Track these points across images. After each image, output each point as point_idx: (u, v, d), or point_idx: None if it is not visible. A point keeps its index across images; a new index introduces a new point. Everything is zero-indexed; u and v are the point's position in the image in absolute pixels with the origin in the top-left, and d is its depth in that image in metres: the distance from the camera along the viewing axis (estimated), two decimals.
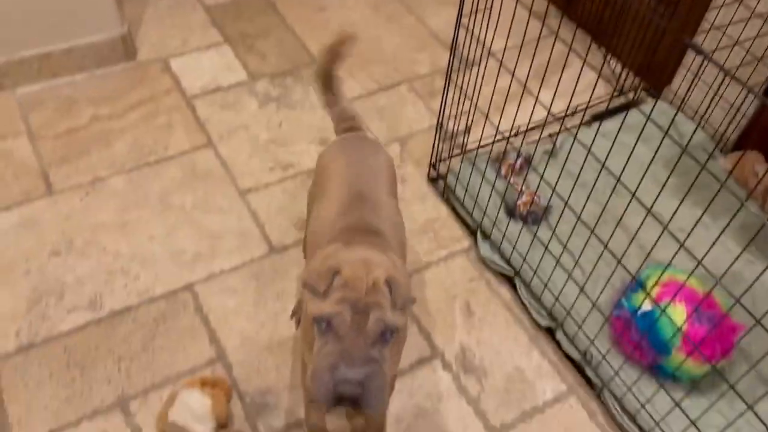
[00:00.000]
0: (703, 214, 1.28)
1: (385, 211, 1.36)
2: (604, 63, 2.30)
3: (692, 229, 1.29)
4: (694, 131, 1.29)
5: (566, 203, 1.65)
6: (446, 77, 1.85)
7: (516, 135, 1.92)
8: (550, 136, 2.19)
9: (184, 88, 2.37)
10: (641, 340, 1.56)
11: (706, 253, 1.29)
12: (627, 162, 1.40)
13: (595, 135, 1.45)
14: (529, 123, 1.77)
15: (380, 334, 1.03)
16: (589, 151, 1.44)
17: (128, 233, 1.94)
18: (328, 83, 1.60)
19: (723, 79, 1.63)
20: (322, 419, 1.51)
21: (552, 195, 1.78)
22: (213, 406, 1.53)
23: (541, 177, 1.78)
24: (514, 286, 1.88)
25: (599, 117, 2.28)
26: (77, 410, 1.58)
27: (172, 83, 2.38)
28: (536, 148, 1.94)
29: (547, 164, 1.74)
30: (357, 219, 1.29)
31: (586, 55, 1.44)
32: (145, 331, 1.73)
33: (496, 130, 1.83)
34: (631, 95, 2.39)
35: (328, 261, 1.09)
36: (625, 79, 2.36)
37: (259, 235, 1.97)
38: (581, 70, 1.43)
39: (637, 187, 1.42)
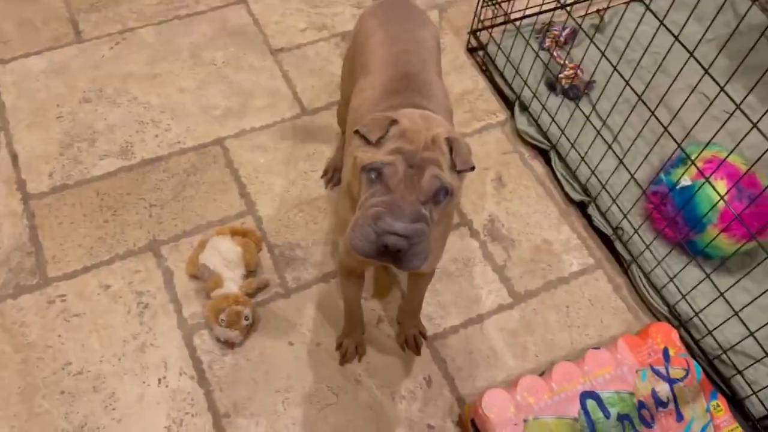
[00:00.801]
0: (748, 94, 1.21)
1: (435, 94, 1.24)
2: None
3: (735, 109, 1.23)
4: (749, 8, 1.19)
5: (610, 75, 1.57)
6: None
7: (566, 5, 1.82)
8: (598, 11, 2.08)
9: None
10: (677, 215, 1.53)
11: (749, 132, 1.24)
12: (674, 41, 1.32)
13: (645, 11, 1.36)
14: None
15: (434, 193, 0.96)
16: (640, 21, 1.35)
17: (158, 85, 1.90)
18: None
19: None
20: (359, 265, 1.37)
21: (595, 70, 1.71)
22: (243, 253, 1.56)
23: (586, 50, 1.70)
24: (547, 161, 1.84)
25: None
26: (110, 250, 1.61)
27: None
28: (583, 20, 1.84)
29: (592, 38, 1.65)
30: (405, 101, 1.17)
31: None
32: (176, 181, 1.73)
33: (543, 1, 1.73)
34: None
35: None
36: None
37: (290, 95, 1.93)
38: None
39: (690, 54, 1.34)
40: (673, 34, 1.35)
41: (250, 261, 1.56)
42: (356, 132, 1.02)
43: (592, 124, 1.68)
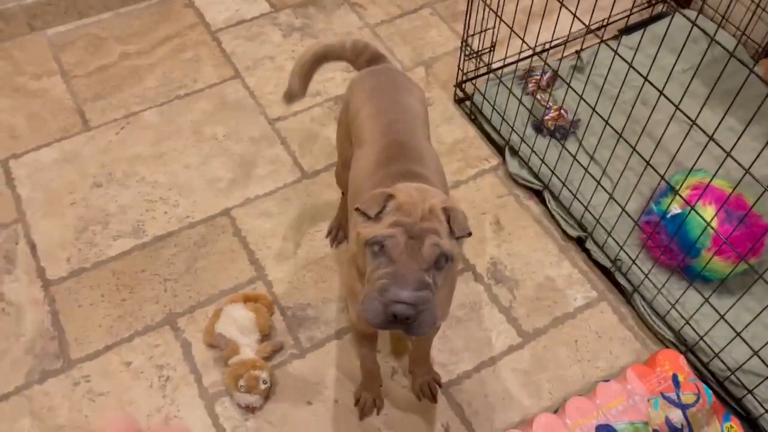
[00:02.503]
0: (722, 119, 1.27)
1: (426, 158, 1.31)
2: None
3: (715, 129, 1.29)
4: (739, 43, 1.27)
5: (593, 112, 1.65)
6: None
7: (542, 52, 1.91)
8: (576, 52, 2.17)
9: (208, 22, 2.38)
10: (670, 242, 1.58)
11: (732, 149, 1.30)
12: (649, 69, 1.40)
13: (618, 45, 1.44)
14: (552, 38, 1.75)
15: (435, 260, 1.02)
16: (613, 59, 1.43)
17: (165, 164, 2.00)
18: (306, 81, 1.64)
19: None
20: (371, 347, 1.47)
21: (577, 108, 1.78)
22: (256, 318, 1.61)
23: (566, 91, 1.78)
24: (542, 200, 1.90)
25: (625, 31, 2.24)
26: (129, 327, 1.67)
27: (197, 18, 2.40)
28: (560, 63, 1.93)
29: (571, 78, 1.73)
30: (398, 169, 1.24)
31: None
32: (188, 254, 1.80)
33: (520, 47, 1.82)
34: (659, 7, 2.34)
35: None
36: None
37: (290, 161, 2.01)
38: None
39: (661, 93, 1.41)
40: (642, 75, 1.43)
41: (264, 325, 1.62)
42: (357, 209, 1.09)
43: (579, 162, 1.75)
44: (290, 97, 1.62)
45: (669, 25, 1.47)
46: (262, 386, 1.51)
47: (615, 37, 2.24)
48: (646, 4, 2.31)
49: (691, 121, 1.35)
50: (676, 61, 1.30)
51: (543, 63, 2.08)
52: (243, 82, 2.21)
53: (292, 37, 2.34)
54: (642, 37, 1.52)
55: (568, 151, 1.77)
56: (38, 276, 1.76)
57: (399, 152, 1.28)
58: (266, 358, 1.59)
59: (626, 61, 1.46)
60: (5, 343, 1.64)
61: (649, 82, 1.42)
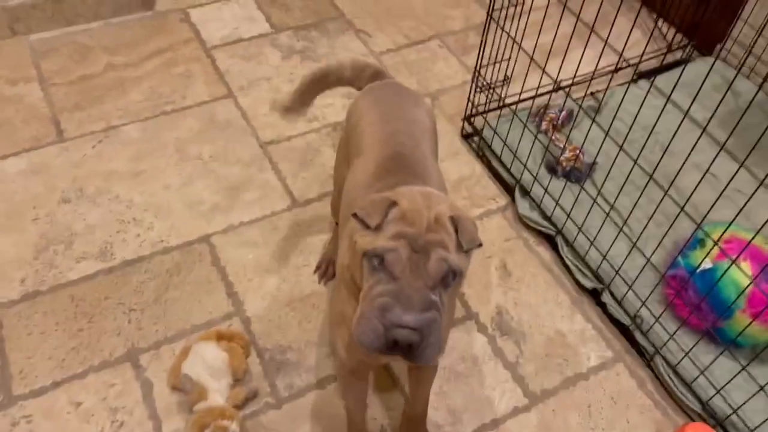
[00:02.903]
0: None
1: (430, 174, 1.17)
2: (655, 24, 2.15)
3: (732, 178, 1.15)
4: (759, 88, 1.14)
5: (616, 155, 1.50)
6: (487, 18, 1.71)
7: (558, 90, 1.78)
8: (593, 94, 2.05)
9: (204, 38, 2.25)
10: (700, 301, 1.41)
11: None
12: (682, 120, 1.26)
13: (647, 92, 1.31)
14: (574, 75, 1.63)
15: (442, 277, 0.89)
16: (641, 106, 1.29)
17: (142, 182, 1.82)
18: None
19: None
20: (362, 393, 1.30)
21: (599, 152, 1.64)
22: (230, 360, 1.41)
23: (587, 132, 1.64)
24: (553, 246, 1.74)
25: (645, 75, 2.13)
26: (84, 362, 1.46)
27: (192, 34, 2.26)
28: (581, 103, 1.79)
29: (593, 120, 1.59)
30: (398, 181, 1.10)
31: (637, 15, 1.30)
32: (158, 282, 1.61)
33: (539, 82, 1.69)
34: (679, 54, 2.23)
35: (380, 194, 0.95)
36: (674, 36, 2.20)
37: (281, 188, 1.84)
38: (632, 27, 1.28)
39: (694, 146, 1.27)
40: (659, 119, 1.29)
41: (237, 368, 1.42)
42: (354, 216, 0.93)
43: (600, 207, 1.59)
44: (279, 106, 1.47)
45: (683, 70, 1.33)
46: None
47: (634, 80, 2.12)
48: (666, 49, 2.20)
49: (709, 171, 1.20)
50: (690, 106, 1.16)
51: (558, 101, 1.95)
52: (235, 102, 2.06)
53: (292, 59, 2.21)
54: (659, 80, 1.39)
55: (588, 194, 1.62)
56: None
57: (400, 165, 1.14)
58: (237, 406, 1.39)
59: (641, 112, 1.32)
60: None
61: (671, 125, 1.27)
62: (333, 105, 2.08)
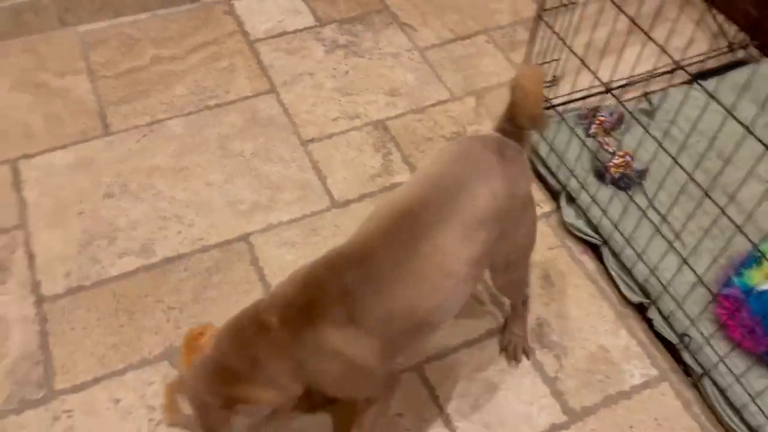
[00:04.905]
0: None
1: (415, 275, 1.03)
2: (715, 20, 2.04)
3: None
4: None
5: (671, 163, 1.43)
6: (536, 18, 1.65)
7: (608, 91, 1.70)
8: (646, 96, 1.96)
9: (247, 31, 2.24)
10: (755, 324, 1.35)
11: None
12: (753, 126, 1.18)
13: (705, 96, 1.24)
14: (630, 75, 1.55)
15: None
16: (699, 111, 1.22)
17: (184, 178, 1.83)
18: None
19: None
20: None
21: (652, 159, 1.57)
22: None
23: (640, 138, 1.57)
24: (598, 256, 1.68)
25: (704, 76, 2.03)
26: (124, 359, 1.49)
27: (236, 26, 2.25)
28: (635, 106, 1.72)
29: (645, 125, 1.52)
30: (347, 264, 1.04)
31: (696, 13, 1.22)
32: (197, 281, 1.62)
33: (590, 82, 1.62)
34: (741, 54, 2.12)
35: None
36: (735, 35, 2.09)
37: (321, 187, 1.83)
38: (694, 27, 1.21)
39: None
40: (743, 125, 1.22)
41: None
42: None
43: (649, 219, 1.53)
44: None
45: (745, 72, 1.25)
46: None
47: (689, 82, 2.02)
48: (726, 49, 2.09)
49: None
50: (729, 107, 1.08)
51: (609, 103, 1.88)
52: (278, 98, 2.05)
53: (335, 54, 2.18)
54: (719, 83, 1.31)
55: (637, 205, 1.55)
56: (32, 290, 1.59)
57: (396, 232, 1.06)
58: None
59: (698, 116, 1.24)
60: None
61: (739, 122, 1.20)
62: (376, 102, 2.05)
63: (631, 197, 1.59)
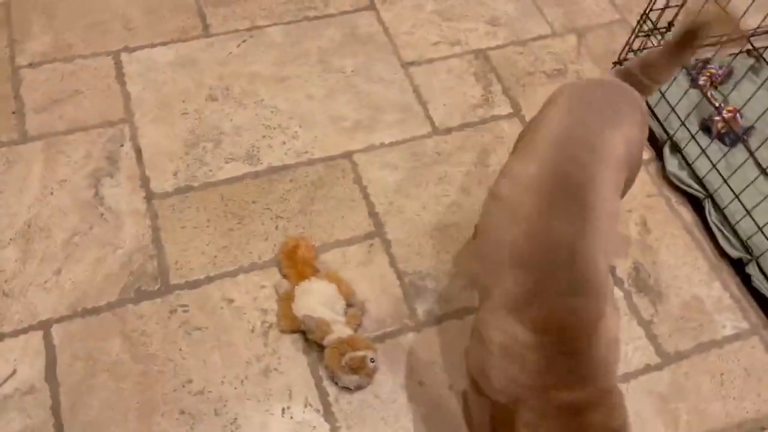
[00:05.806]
0: None
1: (598, 231, 1.00)
2: None
3: None
4: None
5: None
6: None
7: (728, 42, 1.68)
8: (754, 50, 1.92)
9: None
10: None
11: None
12: None
13: None
14: (759, 26, 1.52)
15: None
16: None
17: (286, 89, 1.81)
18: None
19: None
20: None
21: (760, 117, 1.56)
22: (338, 288, 1.43)
23: (753, 94, 1.56)
24: (696, 209, 1.70)
25: None
26: (235, 261, 1.52)
27: None
28: (734, 59, 1.69)
29: (756, 82, 1.50)
30: (548, 273, 0.98)
31: None
32: (303, 193, 1.63)
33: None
34: None
35: None
36: None
37: (421, 113, 1.82)
38: None
39: None
40: None
41: (348, 293, 1.43)
42: None
43: (766, 174, 1.54)
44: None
45: None
46: (370, 365, 1.35)
47: None
48: None
49: None
50: None
51: (720, 54, 1.85)
52: (378, 16, 2.00)
53: None
54: None
55: (755, 159, 1.56)
56: (141, 186, 1.60)
57: (558, 208, 1.01)
58: (359, 324, 1.42)
59: None
60: (101, 251, 1.49)
61: None
62: (476, 30, 2.01)
63: (752, 154, 1.59)
